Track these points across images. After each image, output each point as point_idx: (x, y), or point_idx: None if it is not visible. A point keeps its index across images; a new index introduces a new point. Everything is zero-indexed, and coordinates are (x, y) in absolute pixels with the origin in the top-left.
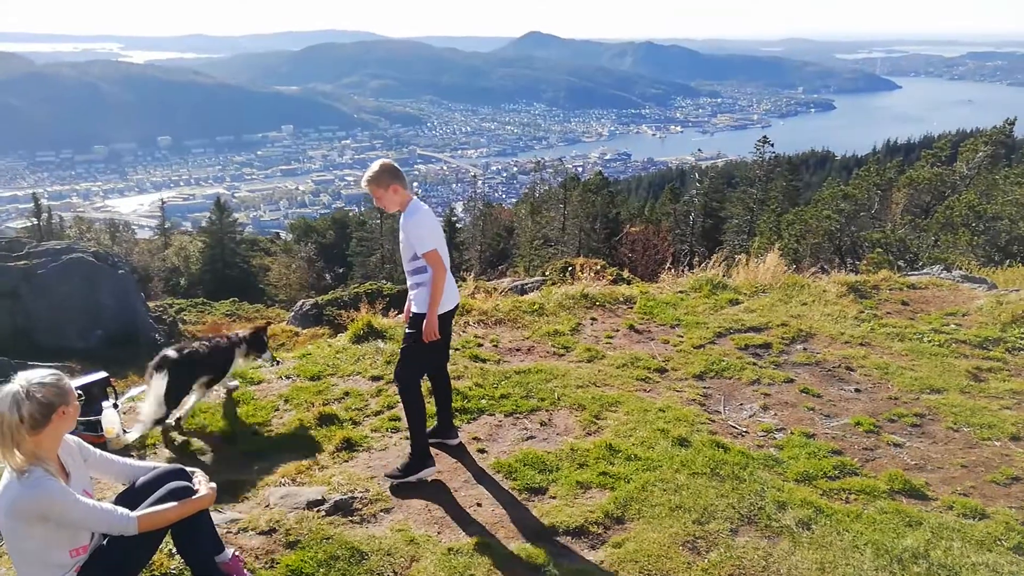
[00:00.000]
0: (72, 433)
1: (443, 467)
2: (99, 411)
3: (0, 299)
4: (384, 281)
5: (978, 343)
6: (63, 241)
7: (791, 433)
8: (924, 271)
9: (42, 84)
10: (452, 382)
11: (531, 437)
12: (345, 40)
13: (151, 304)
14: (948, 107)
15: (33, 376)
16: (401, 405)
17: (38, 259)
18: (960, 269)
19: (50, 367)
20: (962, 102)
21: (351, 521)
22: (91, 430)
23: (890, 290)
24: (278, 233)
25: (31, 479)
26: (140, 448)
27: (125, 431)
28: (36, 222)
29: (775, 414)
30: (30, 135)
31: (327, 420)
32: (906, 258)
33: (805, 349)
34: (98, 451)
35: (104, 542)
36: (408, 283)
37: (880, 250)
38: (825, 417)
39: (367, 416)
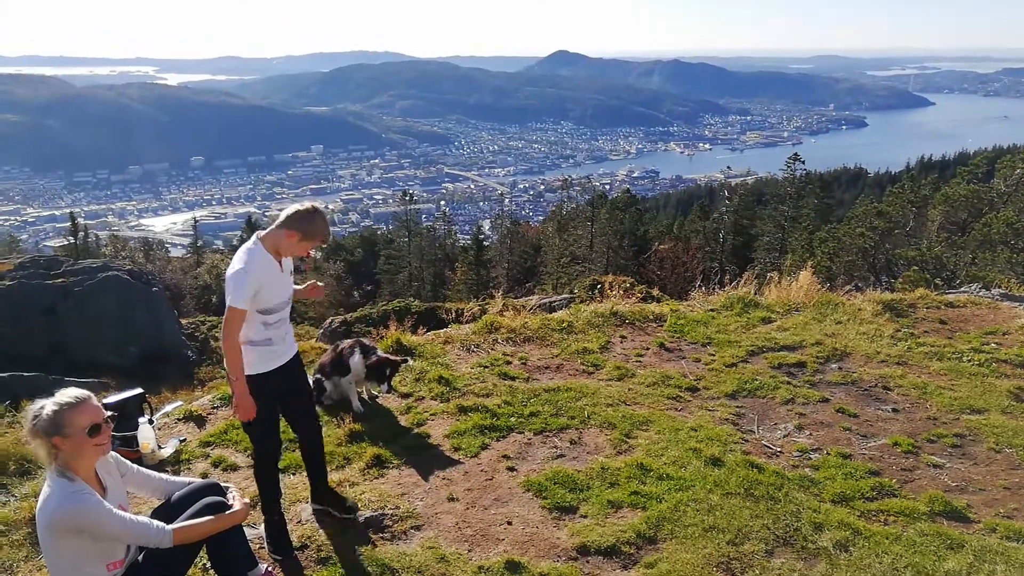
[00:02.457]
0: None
1: (473, 485)
2: (135, 427)
3: (38, 316)
4: (412, 299)
5: (1020, 363)
6: (99, 259)
7: (827, 453)
8: (962, 289)
9: (80, 106)
10: (482, 400)
11: (561, 455)
12: (374, 61)
13: (184, 321)
14: (984, 123)
15: (58, 396)
16: (315, 446)
17: (75, 277)
18: (999, 287)
19: (86, 384)
20: (998, 118)
21: (382, 538)
22: (127, 445)
23: (927, 308)
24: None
25: (69, 492)
26: (175, 463)
27: (160, 446)
28: (73, 240)
29: (810, 434)
30: (68, 156)
31: (357, 437)
32: (943, 276)
33: (840, 368)
34: (135, 467)
35: (140, 557)
36: (261, 336)
37: (916, 268)
38: (862, 437)
39: (397, 434)
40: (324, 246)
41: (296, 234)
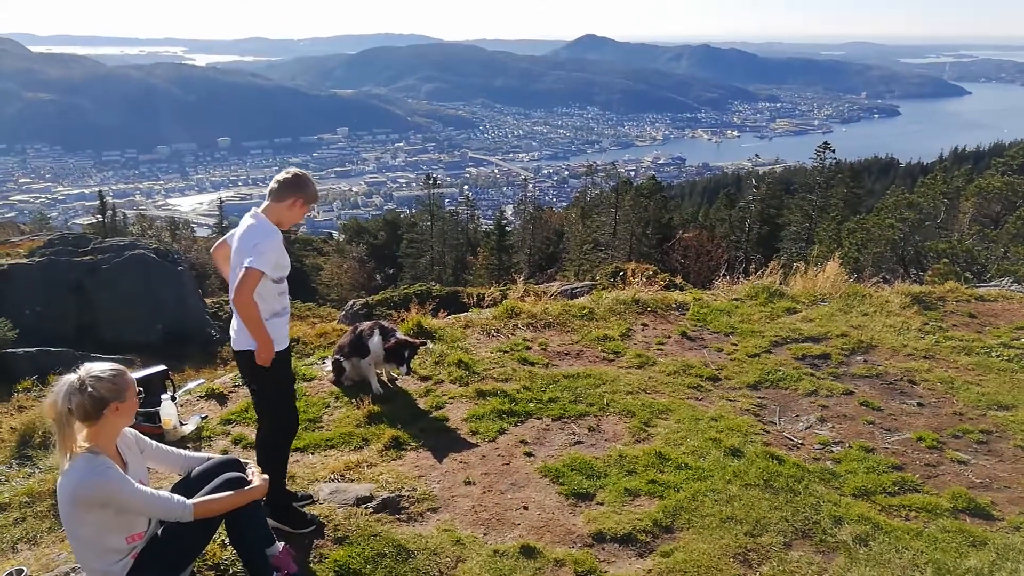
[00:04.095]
0: (131, 424)
1: (490, 469)
2: (157, 403)
3: (67, 292)
4: (434, 283)
5: None
6: (126, 238)
7: (849, 447)
8: (993, 283)
9: (110, 86)
10: (501, 384)
11: (579, 442)
12: (400, 43)
13: (208, 300)
14: (1021, 114)
15: (94, 369)
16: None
17: (103, 255)
18: None
19: (113, 360)
20: None
21: (398, 519)
22: (149, 421)
23: (956, 302)
24: (331, 233)
25: (92, 466)
26: (196, 440)
27: (182, 423)
28: (101, 219)
29: (833, 427)
30: (98, 135)
31: (375, 418)
32: (973, 270)
33: (865, 361)
34: (154, 442)
35: (159, 531)
36: (280, 306)
37: (946, 261)
38: (885, 431)
39: (415, 416)
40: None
41: (300, 199)
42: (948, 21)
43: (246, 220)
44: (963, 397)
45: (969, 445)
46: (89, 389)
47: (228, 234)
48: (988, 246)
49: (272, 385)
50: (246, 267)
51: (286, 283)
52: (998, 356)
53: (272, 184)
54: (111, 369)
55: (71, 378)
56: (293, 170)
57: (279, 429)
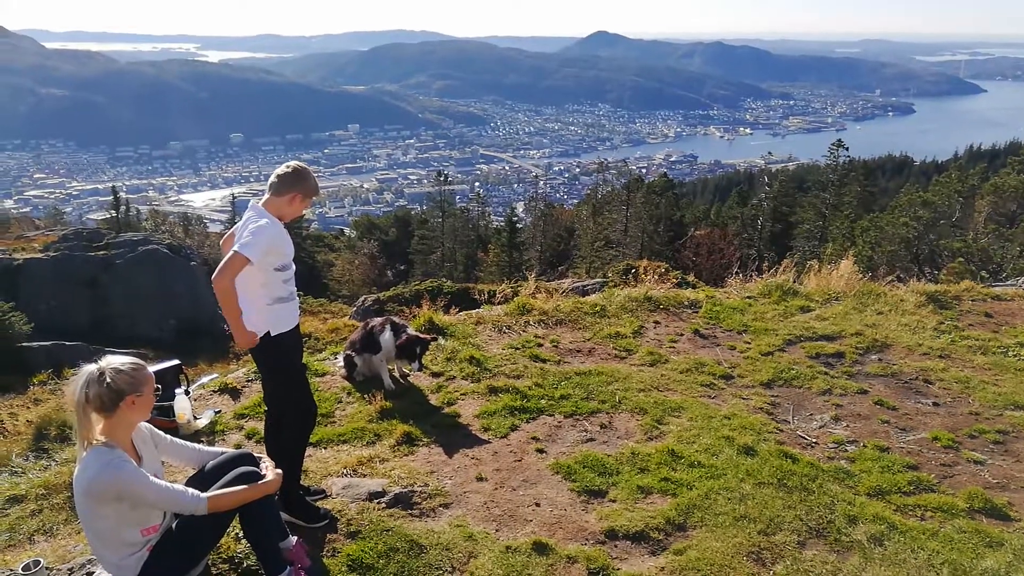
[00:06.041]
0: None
1: (502, 465)
2: (171, 398)
3: (81, 287)
4: (445, 279)
5: None
6: (139, 233)
7: (864, 446)
8: (1009, 282)
9: (124, 82)
10: (513, 381)
11: (591, 439)
12: (411, 40)
13: None
14: None
15: (114, 361)
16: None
17: (116, 250)
18: None
19: (131, 355)
20: None
21: (411, 514)
22: (163, 416)
23: (972, 301)
24: (342, 230)
25: (108, 460)
26: (209, 434)
27: (196, 417)
28: (115, 214)
29: (847, 426)
30: (111, 131)
31: (387, 414)
32: (989, 268)
33: (880, 360)
34: (169, 437)
35: (174, 524)
36: (286, 292)
37: (961, 260)
38: (900, 431)
39: (427, 412)
40: (316, 199)
41: (299, 194)
42: (964, 19)
43: (247, 213)
44: (979, 397)
45: (985, 445)
46: (108, 380)
47: (235, 226)
48: (1004, 245)
49: (281, 368)
50: (232, 251)
51: (292, 270)
52: (1015, 356)
53: (272, 178)
54: (131, 363)
55: (91, 368)
56: (292, 164)
57: (292, 420)
